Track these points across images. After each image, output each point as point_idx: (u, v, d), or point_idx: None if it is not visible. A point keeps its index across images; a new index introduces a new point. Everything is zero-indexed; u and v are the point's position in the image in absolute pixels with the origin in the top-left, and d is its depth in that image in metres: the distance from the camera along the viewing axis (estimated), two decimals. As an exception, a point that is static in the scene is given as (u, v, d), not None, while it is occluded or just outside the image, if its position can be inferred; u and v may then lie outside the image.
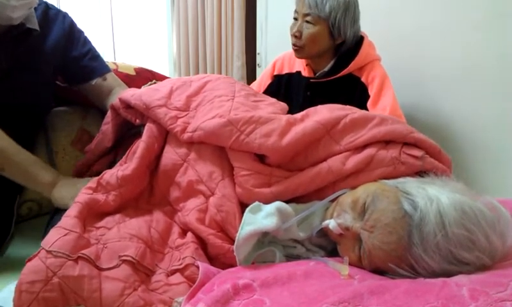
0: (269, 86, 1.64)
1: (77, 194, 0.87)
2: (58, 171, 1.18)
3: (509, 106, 1.38)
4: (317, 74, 1.51)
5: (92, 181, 0.85)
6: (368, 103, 1.41)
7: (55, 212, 0.96)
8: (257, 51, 2.49)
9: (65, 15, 1.18)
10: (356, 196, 0.72)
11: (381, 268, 0.67)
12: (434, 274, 0.63)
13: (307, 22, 1.38)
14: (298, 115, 0.88)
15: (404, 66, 1.64)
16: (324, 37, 1.39)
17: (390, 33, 1.65)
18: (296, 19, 1.43)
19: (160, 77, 1.49)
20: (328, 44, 1.42)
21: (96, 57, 1.23)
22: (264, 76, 1.69)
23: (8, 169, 0.94)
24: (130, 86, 1.28)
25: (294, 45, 1.44)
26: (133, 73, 1.44)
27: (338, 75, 1.44)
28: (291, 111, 1.25)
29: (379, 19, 1.64)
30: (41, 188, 0.97)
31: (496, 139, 1.43)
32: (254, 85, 1.69)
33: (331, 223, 0.71)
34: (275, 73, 1.65)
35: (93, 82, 1.20)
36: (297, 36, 1.41)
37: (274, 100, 1.05)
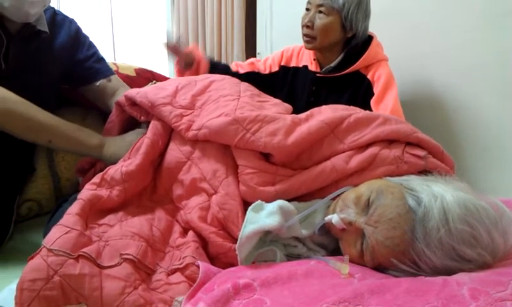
0: (275, 74, 1.63)
1: (128, 147, 0.92)
2: (58, 170, 1.18)
3: (509, 106, 1.39)
4: (324, 69, 1.51)
5: (96, 177, 0.85)
6: (372, 101, 1.42)
7: (57, 208, 0.96)
8: (257, 51, 2.49)
9: (71, 21, 1.21)
10: (359, 192, 0.73)
11: (383, 264, 0.68)
12: (436, 270, 0.63)
13: (320, 12, 1.39)
14: (303, 115, 0.89)
15: (403, 65, 1.64)
16: (336, 29, 1.40)
17: (390, 33, 1.65)
18: (308, 10, 1.44)
19: (160, 78, 1.50)
20: (339, 36, 1.42)
21: (100, 59, 1.26)
22: (271, 59, 1.67)
23: (56, 140, 0.96)
24: (130, 86, 1.29)
25: (305, 35, 1.44)
26: (133, 74, 1.44)
27: (346, 71, 1.45)
28: (296, 104, 1.26)
29: (380, 18, 1.63)
30: (91, 151, 1.00)
31: (496, 138, 1.43)
32: (259, 63, 1.67)
33: (334, 217, 0.71)
34: (283, 63, 1.64)
35: (98, 83, 1.22)
36: (309, 26, 1.41)
37: (278, 100, 1.05)
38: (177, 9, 3.03)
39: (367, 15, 1.42)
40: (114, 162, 0.94)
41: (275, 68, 1.63)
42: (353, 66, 1.44)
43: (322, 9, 1.38)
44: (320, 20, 1.39)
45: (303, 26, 1.44)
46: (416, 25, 1.64)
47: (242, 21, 2.65)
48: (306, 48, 1.49)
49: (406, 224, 0.65)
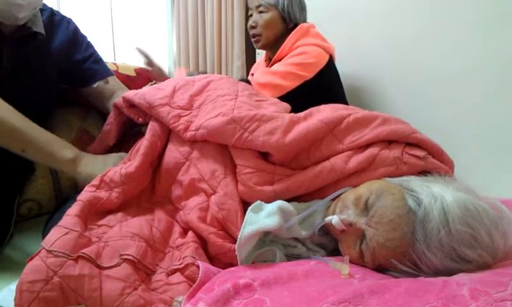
0: None
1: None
2: (58, 170, 1.18)
3: (509, 106, 1.38)
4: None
5: (95, 179, 0.85)
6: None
7: (55, 210, 0.96)
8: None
9: (69, 21, 1.20)
10: (359, 193, 0.73)
11: (383, 265, 0.67)
12: (437, 272, 0.63)
13: (260, 12, 1.55)
14: (301, 114, 0.89)
15: (403, 67, 1.64)
16: (277, 21, 1.55)
17: (389, 35, 1.65)
18: (250, 15, 1.60)
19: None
20: (282, 28, 1.56)
21: (98, 60, 1.25)
22: None
23: (29, 150, 0.92)
24: (130, 87, 1.28)
25: (252, 36, 1.60)
26: (133, 74, 1.44)
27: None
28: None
29: (378, 22, 1.64)
30: (63, 166, 0.96)
31: (495, 139, 1.43)
32: None
33: (334, 219, 0.71)
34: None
35: (95, 85, 1.21)
36: (253, 26, 1.57)
37: (276, 100, 1.06)
38: (177, 9, 3.03)
39: (302, 7, 1.58)
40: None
41: None
42: (278, 53, 1.53)
43: (261, 8, 1.55)
44: (261, 18, 1.55)
45: (249, 29, 1.60)
46: (415, 26, 1.64)
47: (242, 21, 2.65)
48: (256, 48, 1.65)
49: (406, 225, 0.64)
